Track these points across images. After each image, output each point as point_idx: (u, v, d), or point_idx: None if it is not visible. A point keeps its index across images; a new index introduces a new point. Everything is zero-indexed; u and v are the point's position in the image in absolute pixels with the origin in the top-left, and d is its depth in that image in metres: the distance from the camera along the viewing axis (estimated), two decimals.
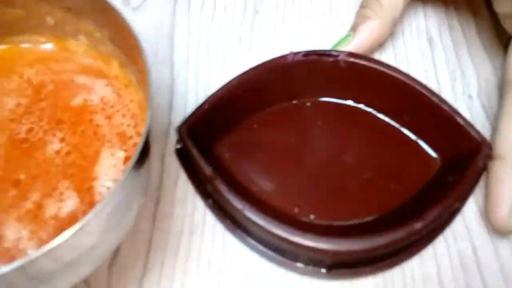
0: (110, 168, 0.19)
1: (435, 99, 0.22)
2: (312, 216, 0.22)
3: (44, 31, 0.21)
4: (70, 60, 0.21)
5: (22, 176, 0.18)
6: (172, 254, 0.22)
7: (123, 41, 0.19)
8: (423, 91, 0.23)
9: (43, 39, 0.22)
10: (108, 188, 0.18)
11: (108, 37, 0.20)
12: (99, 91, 0.21)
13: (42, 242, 0.17)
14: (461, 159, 0.21)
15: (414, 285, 0.20)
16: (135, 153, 0.15)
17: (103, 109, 0.20)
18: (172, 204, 0.23)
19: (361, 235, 0.19)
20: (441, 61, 0.26)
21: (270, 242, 0.21)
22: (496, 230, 0.20)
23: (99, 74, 0.21)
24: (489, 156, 0.21)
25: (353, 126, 0.24)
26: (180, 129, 0.22)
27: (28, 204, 0.18)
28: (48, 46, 0.22)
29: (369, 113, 0.25)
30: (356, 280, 0.21)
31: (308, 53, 0.24)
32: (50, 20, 0.21)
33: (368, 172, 0.23)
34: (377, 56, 0.27)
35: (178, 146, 0.24)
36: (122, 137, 0.19)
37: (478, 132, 0.21)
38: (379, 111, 0.24)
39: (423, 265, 0.21)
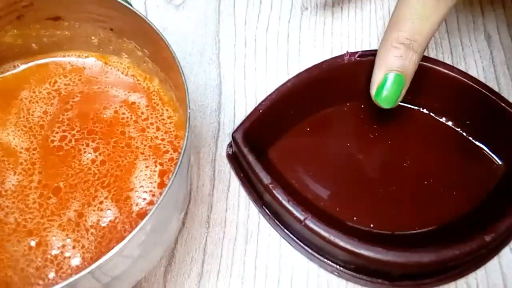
0: (145, 180, 0.19)
1: (502, 103, 0.21)
2: (372, 225, 0.21)
3: (90, 49, 0.22)
4: (109, 74, 0.22)
5: (61, 184, 0.19)
6: (228, 262, 0.21)
7: (163, 60, 0.19)
8: (489, 94, 0.21)
9: (86, 54, 0.22)
10: (144, 199, 0.19)
11: (149, 56, 0.20)
12: (132, 104, 0.21)
13: (85, 251, 0.17)
14: None
15: None
16: (172, 174, 0.15)
17: (135, 121, 0.20)
18: (225, 210, 0.22)
19: (429, 247, 0.19)
20: (500, 60, 0.25)
21: (332, 253, 0.20)
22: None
23: (135, 88, 0.21)
24: None
25: (412, 130, 0.23)
26: (234, 136, 0.21)
27: (70, 213, 0.18)
28: (92, 60, 0.22)
29: (429, 116, 0.24)
30: None
31: (364, 54, 0.23)
32: (94, 39, 0.21)
33: (428, 179, 0.22)
34: (432, 55, 0.25)
35: (230, 151, 0.23)
36: (157, 151, 0.20)
37: None
38: (440, 114, 0.23)
39: (488, 276, 0.20)
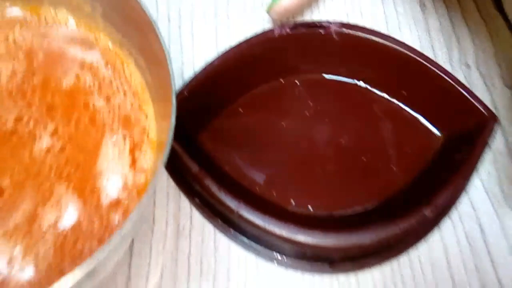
0: (114, 161, 0.16)
1: (437, 71, 0.20)
2: (310, 207, 0.20)
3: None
4: (53, 28, 0.18)
5: (4, 183, 0.15)
6: (157, 262, 0.19)
7: (123, 19, 0.16)
8: (425, 62, 0.21)
9: (8, 3, 0.18)
10: (116, 187, 0.16)
11: (102, 14, 0.17)
12: (91, 65, 0.17)
13: (39, 260, 0.14)
14: (467, 135, 0.20)
15: (422, 270, 0.19)
16: (161, 160, 0.12)
17: (99, 88, 0.17)
18: (153, 205, 0.20)
19: (369, 227, 0.18)
20: (435, 28, 0.24)
21: (267, 241, 0.19)
22: None
23: (90, 45, 0.18)
24: (495, 131, 0.20)
25: (348, 105, 0.22)
26: None
27: (17, 217, 0.15)
28: (15, 10, 0.18)
29: (366, 89, 0.23)
30: (362, 273, 0.19)
31: (296, 26, 0.21)
32: None
33: (366, 154, 0.21)
34: (368, 25, 0.24)
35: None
36: (126, 122, 0.16)
37: (485, 106, 0.20)
38: (376, 87, 0.22)
39: (431, 250, 0.20)
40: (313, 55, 0.22)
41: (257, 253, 0.19)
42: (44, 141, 0.16)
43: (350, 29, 0.21)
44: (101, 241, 0.15)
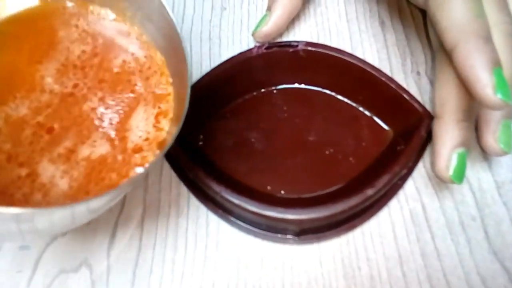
0: (142, 121, 0.21)
1: (383, 79, 0.25)
2: (282, 192, 0.25)
3: None
4: (102, 21, 0.23)
5: (55, 125, 0.20)
6: (162, 236, 0.24)
7: (156, 29, 0.21)
8: (373, 72, 0.25)
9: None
10: (140, 137, 0.21)
11: (140, 20, 0.22)
12: (133, 54, 0.22)
13: (73, 180, 0.19)
14: (408, 130, 0.24)
15: (373, 241, 0.24)
16: (174, 133, 0.18)
17: (140, 70, 0.22)
18: (159, 190, 0.26)
19: (322, 205, 0.22)
20: (392, 42, 0.29)
21: (246, 217, 0.24)
22: (439, 179, 0.23)
23: (131, 37, 0.23)
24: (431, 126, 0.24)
25: (315, 108, 0.27)
26: None
27: (61, 149, 0.20)
28: (70, 4, 0.23)
29: (329, 95, 0.27)
30: (323, 243, 0.24)
31: (270, 46, 0.27)
32: None
33: (329, 148, 0.26)
34: (335, 42, 0.29)
35: None
36: (158, 96, 0.21)
37: (421, 105, 0.24)
38: (338, 93, 0.27)
39: (380, 225, 0.24)
40: (286, 69, 0.27)
41: (239, 228, 0.24)
42: (92, 103, 0.21)
43: (314, 47, 0.26)
44: (119, 175, 0.19)
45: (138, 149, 0.20)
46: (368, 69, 0.25)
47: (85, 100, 0.21)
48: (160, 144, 0.21)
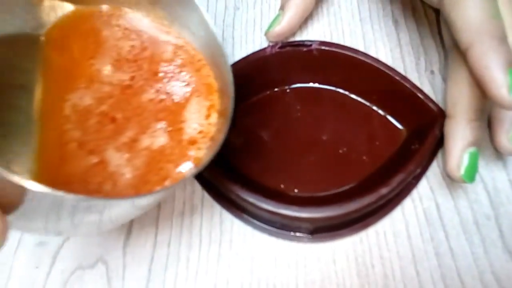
0: (195, 113, 0.21)
1: (397, 78, 0.25)
2: (296, 190, 0.25)
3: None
4: (143, 22, 0.23)
5: (118, 116, 0.21)
6: (176, 233, 0.25)
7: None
8: (387, 71, 0.25)
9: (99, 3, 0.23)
10: (195, 129, 0.21)
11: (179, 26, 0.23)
12: (182, 47, 0.23)
13: (135, 169, 0.20)
14: (422, 129, 0.24)
15: (386, 240, 0.24)
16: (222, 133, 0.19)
17: (191, 62, 0.23)
18: (174, 188, 0.26)
19: (336, 203, 0.22)
20: (405, 41, 0.29)
21: (260, 216, 0.24)
22: (451, 178, 0.23)
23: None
24: None
25: (328, 107, 0.27)
26: None
27: (124, 138, 0.20)
28: (105, 7, 0.23)
29: (343, 94, 0.27)
30: (336, 241, 0.24)
31: (283, 45, 0.27)
32: None
33: (343, 147, 0.26)
34: (348, 41, 0.29)
35: None
36: (209, 88, 0.22)
37: (435, 104, 0.24)
38: (352, 92, 0.27)
39: (394, 223, 0.24)
40: (299, 68, 0.27)
41: (253, 226, 0.25)
42: (149, 95, 0.22)
43: (328, 46, 0.26)
44: (176, 165, 0.20)
45: (193, 141, 0.21)
46: (382, 68, 0.25)
47: (143, 91, 0.22)
48: (212, 139, 0.21)
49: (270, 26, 0.28)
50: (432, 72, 0.28)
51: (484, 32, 0.20)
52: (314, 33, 0.30)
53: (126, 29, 0.23)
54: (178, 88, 0.22)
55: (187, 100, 0.22)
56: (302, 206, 0.23)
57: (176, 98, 0.22)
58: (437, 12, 0.29)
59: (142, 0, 0.23)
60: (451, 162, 0.22)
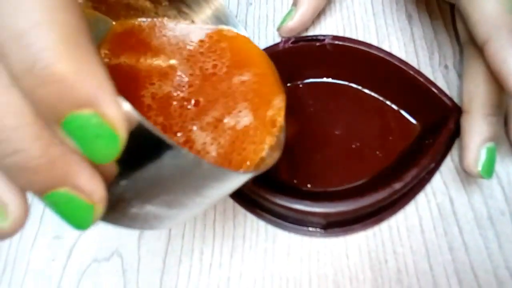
0: (273, 95, 0.22)
1: (411, 72, 0.25)
2: (309, 185, 0.25)
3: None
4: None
5: (201, 99, 0.21)
6: (190, 226, 0.25)
7: None
8: (401, 65, 0.25)
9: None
10: (274, 110, 0.22)
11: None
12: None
13: (220, 147, 0.20)
14: (436, 123, 0.24)
15: (400, 235, 0.24)
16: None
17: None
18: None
19: (349, 198, 0.22)
20: (419, 36, 0.29)
21: (274, 210, 0.24)
22: (468, 174, 0.23)
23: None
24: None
25: (341, 102, 0.27)
26: None
27: (209, 119, 0.21)
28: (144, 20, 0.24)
29: (356, 89, 0.27)
30: (349, 236, 0.24)
31: (297, 40, 0.27)
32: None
33: (356, 142, 0.26)
34: (361, 36, 0.29)
35: None
36: (277, 76, 0.23)
37: (450, 99, 0.24)
38: (365, 87, 0.27)
39: (407, 218, 0.24)
40: (312, 63, 0.27)
41: (266, 220, 0.25)
42: (236, 80, 0.22)
43: (341, 41, 0.26)
44: (259, 145, 0.21)
45: (273, 123, 0.21)
46: (396, 63, 0.25)
47: (230, 76, 0.22)
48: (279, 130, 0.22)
49: (282, 21, 0.28)
50: (446, 66, 0.28)
51: (502, 26, 0.20)
52: (327, 28, 0.30)
53: (175, 36, 0.23)
54: (262, 77, 0.23)
55: (263, 85, 0.22)
56: (315, 201, 0.23)
57: (257, 83, 0.22)
58: (452, 6, 0.28)
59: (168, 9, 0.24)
60: (468, 158, 0.22)
